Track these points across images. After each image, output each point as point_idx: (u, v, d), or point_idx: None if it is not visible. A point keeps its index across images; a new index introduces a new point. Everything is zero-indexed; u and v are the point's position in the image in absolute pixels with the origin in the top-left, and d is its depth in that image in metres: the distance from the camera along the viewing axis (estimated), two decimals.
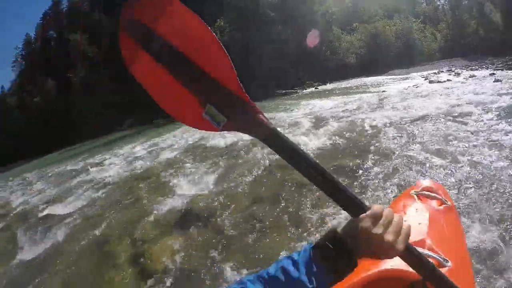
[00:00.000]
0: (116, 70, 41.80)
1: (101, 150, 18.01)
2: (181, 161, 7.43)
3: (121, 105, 40.16)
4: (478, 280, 1.90)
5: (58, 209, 6.18)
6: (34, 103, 45.83)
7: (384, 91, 14.36)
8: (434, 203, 1.68)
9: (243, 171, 5.32)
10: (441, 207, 1.65)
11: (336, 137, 6.30)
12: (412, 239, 0.90)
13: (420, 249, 1.02)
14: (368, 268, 1.23)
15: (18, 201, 8.59)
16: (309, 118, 9.48)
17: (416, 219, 1.51)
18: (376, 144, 5.43)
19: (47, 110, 45.07)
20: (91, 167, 10.67)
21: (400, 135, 5.74)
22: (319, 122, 8.58)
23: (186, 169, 6.44)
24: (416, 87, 13.58)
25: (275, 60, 29.62)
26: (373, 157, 4.80)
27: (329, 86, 26.30)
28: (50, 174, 13.27)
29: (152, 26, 0.84)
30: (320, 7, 35.60)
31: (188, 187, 5.13)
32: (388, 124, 6.66)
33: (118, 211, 5.07)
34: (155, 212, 4.42)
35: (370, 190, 3.75)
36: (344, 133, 6.51)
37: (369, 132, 6.32)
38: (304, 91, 26.04)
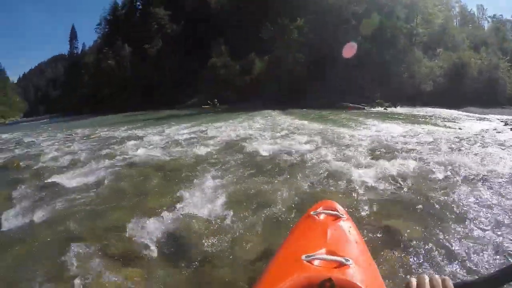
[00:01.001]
0: (188, 50, 42.97)
1: (152, 123, 18.63)
2: (208, 163, 6.44)
3: (188, 84, 40.49)
4: (382, 273, 1.63)
5: (66, 181, 5.69)
6: (108, 65, 47.63)
7: (460, 128, 12.64)
8: (331, 218, 1.87)
9: (272, 204, 3.98)
10: (338, 221, 1.84)
11: (393, 179, 4.82)
12: (314, 249, 1.44)
13: (322, 255, 1.37)
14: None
15: (47, 157, 8.52)
16: (371, 143, 8.25)
17: (317, 234, 1.69)
18: (448, 204, 3.82)
19: (118, 74, 46.60)
20: (128, 140, 10.71)
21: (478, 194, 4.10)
22: (380, 150, 7.23)
23: (207, 176, 5.29)
24: (497, 132, 11.77)
25: (348, 70, 27.90)
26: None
27: (399, 109, 24.54)
28: (94, 136, 13.77)
29: None
30: (405, 24, 33.29)
31: (195, 205, 3.96)
32: (464, 176, 4.99)
33: (110, 208, 4.21)
34: (140, 231, 3.31)
35: None
36: (405, 175, 4.98)
37: (438, 183, 4.70)
38: (372, 109, 24.53)
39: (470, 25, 50.51)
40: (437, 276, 0.82)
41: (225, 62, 35.58)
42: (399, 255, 2.70)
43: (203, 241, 3.11)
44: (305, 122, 13.91)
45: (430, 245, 2.83)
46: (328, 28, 29.11)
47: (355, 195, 4.14)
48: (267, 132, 10.96)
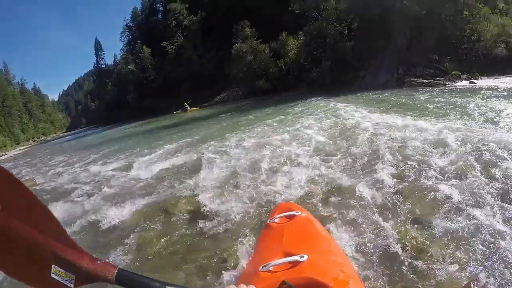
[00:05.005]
0: (211, 43, 37.43)
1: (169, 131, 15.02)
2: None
3: (214, 78, 34.94)
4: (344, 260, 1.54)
5: None
6: (127, 70, 43.39)
7: None
8: (287, 220, 1.79)
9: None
10: (295, 220, 1.76)
11: None
12: (271, 256, 1.40)
13: (276, 261, 1.34)
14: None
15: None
16: None
17: (274, 240, 1.62)
18: None
19: (139, 77, 42.45)
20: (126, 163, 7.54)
21: None
22: None
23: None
24: None
25: (406, 36, 20.68)
26: None
27: (483, 82, 16.50)
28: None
29: None
30: None
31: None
32: None
33: None
34: None
35: None
36: None
37: None
38: (454, 84, 16.93)
39: None
40: None
41: (252, 47, 28.60)
42: (364, 239, 2.40)
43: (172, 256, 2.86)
44: (364, 116, 7.73)
45: (394, 230, 2.49)
46: None
47: None
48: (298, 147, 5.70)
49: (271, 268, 1.32)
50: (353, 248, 2.32)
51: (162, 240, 3.03)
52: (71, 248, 0.86)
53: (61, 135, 79.01)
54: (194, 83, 37.26)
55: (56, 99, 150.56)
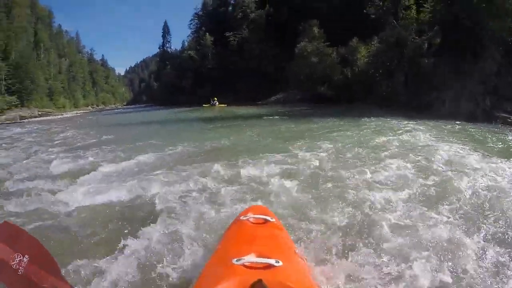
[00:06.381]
0: (274, 40, 35.64)
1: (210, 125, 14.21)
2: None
3: (274, 76, 33.21)
4: (311, 273, 1.71)
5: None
6: (188, 55, 42.70)
7: None
8: (260, 222, 1.79)
9: None
10: (267, 224, 1.78)
11: None
12: (244, 252, 1.36)
13: (252, 258, 1.32)
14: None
15: None
16: None
17: (247, 238, 1.64)
18: None
19: (199, 65, 41.90)
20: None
21: None
22: None
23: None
24: None
25: (499, 64, 17.00)
26: None
27: None
28: None
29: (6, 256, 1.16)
30: None
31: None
32: None
33: None
34: None
35: None
36: None
37: None
38: None
39: None
40: None
41: (318, 48, 25.85)
42: (330, 255, 2.22)
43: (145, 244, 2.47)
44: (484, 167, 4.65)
45: (363, 247, 2.32)
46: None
47: None
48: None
49: (246, 263, 1.29)
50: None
51: None
52: (64, 284, 1.22)
53: (119, 106, 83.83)
54: (252, 78, 35.75)
55: (122, 73, 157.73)
